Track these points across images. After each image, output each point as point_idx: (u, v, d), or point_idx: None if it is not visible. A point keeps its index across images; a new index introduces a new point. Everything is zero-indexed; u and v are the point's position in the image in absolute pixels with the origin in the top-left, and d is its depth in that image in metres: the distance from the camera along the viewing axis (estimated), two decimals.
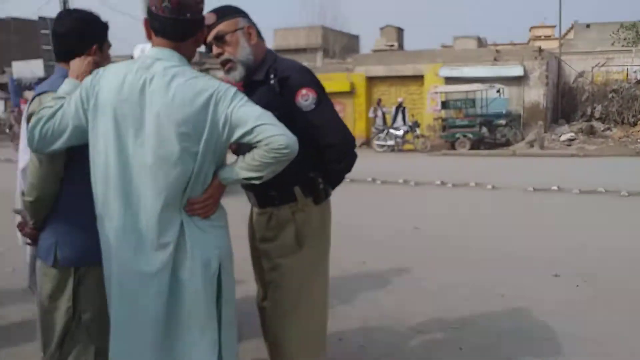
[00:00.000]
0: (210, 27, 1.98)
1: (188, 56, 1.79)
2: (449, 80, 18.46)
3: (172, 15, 1.69)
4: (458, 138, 16.71)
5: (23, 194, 1.93)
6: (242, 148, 1.85)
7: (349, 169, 2.12)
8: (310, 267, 2.10)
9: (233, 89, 1.72)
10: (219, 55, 2.02)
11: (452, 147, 16.84)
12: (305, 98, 1.96)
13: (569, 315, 3.48)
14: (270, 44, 25.61)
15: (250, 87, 2.02)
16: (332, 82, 19.87)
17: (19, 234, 2.23)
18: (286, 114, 1.84)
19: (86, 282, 1.89)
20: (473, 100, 17.43)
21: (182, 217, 1.71)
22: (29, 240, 2.01)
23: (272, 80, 1.99)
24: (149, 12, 1.73)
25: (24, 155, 2.23)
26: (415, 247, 5.28)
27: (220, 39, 1.99)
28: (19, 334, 3.22)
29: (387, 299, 3.85)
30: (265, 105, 1.72)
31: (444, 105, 17.84)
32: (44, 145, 1.75)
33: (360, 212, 7.09)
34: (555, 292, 3.94)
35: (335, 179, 2.13)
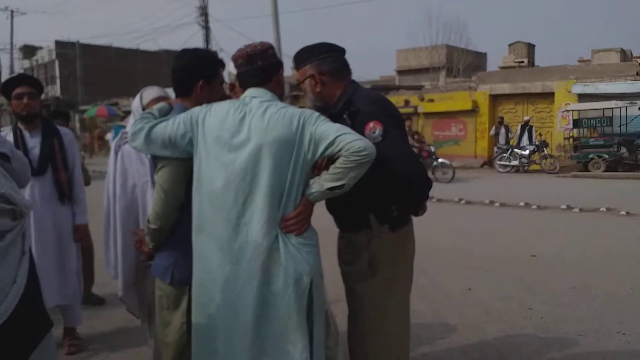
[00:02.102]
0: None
1: (277, 94, 2.07)
2: (582, 97, 17.15)
3: (247, 67, 2.03)
4: (592, 159, 15.44)
5: (148, 221, 2.12)
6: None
7: (421, 197, 2.17)
8: (385, 294, 2.15)
9: (316, 113, 1.98)
10: (305, 96, 2.30)
11: (585, 168, 15.61)
12: (373, 131, 2.04)
13: None
14: (392, 64, 25.45)
15: (330, 119, 2.17)
16: (453, 102, 19.54)
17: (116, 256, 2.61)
18: None
19: None
20: (610, 118, 16.01)
21: (277, 232, 1.92)
22: (143, 258, 2.24)
23: (345, 114, 2.13)
24: (236, 75, 2.08)
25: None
26: (529, 277, 5.03)
27: (298, 86, 2.27)
28: (116, 341, 3.60)
29: (490, 327, 3.78)
30: None
31: (577, 123, 16.61)
32: (136, 140, 2.06)
33: (472, 236, 6.90)
34: None
35: (410, 208, 2.18)
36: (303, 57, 2.24)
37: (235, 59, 2.06)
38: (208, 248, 1.98)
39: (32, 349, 1.53)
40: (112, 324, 3.91)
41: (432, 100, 19.78)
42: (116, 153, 2.71)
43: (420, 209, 2.22)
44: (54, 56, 38.26)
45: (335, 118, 2.16)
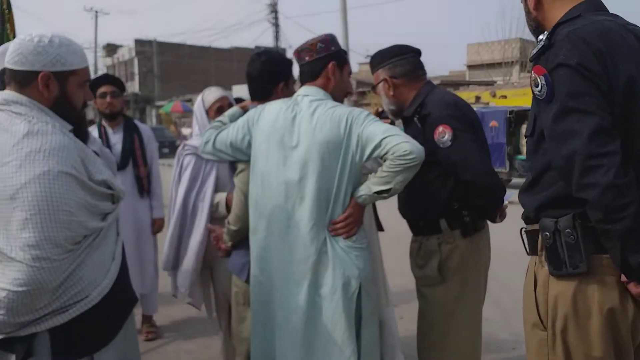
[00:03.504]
0: None
1: (337, 89, 2.05)
2: None
3: (299, 63, 2.07)
4: None
5: (228, 222, 2.21)
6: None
7: (494, 204, 2.11)
8: (455, 301, 2.12)
9: (365, 112, 1.96)
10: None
11: None
12: (442, 135, 2.02)
13: None
14: (463, 59, 24.84)
15: (404, 122, 2.22)
16: (527, 98, 18.74)
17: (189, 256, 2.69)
18: (430, 149, 1.96)
19: None
20: None
21: (326, 234, 1.92)
22: (221, 254, 2.33)
23: (416, 118, 2.12)
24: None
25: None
26: None
27: (374, 89, 2.29)
28: (189, 330, 3.78)
29: None
30: None
31: None
32: (206, 149, 2.20)
33: None
34: None
35: (484, 214, 2.14)
36: (376, 61, 2.26)
37: (294, 56, 2.11)
38: (263, 248, 2.02)
39: (124, 320, 1.67)
40: (185, 313, 4.09)
41: (504, 97, 19.07)
42: (178, 160, 2.79)
43: (496, 216, 2.18)
44: (133, 54, 40.25)
45: (406, 121, 2.17)
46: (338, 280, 1.89)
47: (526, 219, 1.53)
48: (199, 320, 3.92)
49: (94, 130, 3.48)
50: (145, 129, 3.70)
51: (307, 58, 2.04)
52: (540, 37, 1.41)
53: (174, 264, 2.83)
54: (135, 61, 40.08)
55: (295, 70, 2.31)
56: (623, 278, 1.32)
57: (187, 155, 2.68)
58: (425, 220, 2.17)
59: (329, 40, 2.05)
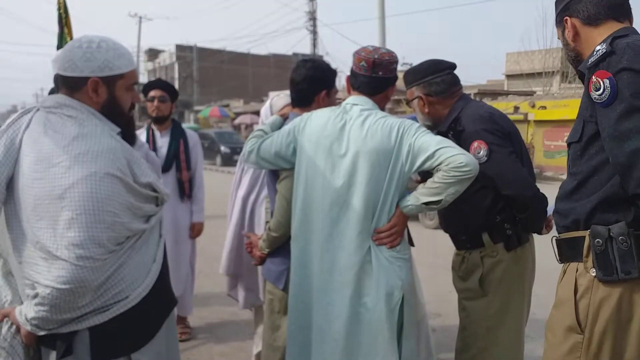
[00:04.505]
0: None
1: (381, 107, 2.05)
2: None
3: (367, 73, 2.00)
4: None
5: (269, 228, 2.18)
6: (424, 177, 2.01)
7: (537, 216, 2.08)
8: (497, 315, 2.09)
9: (416, 124, 1.94)
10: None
11: None
12: (478, 150, 2.01)
13: None
14: (501, 68, 24.27)
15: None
16: (568, 109, 18.24)
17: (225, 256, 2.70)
18: None
19: None
20: None
21: (370, 243, 1.90)
22: (255, 262, 2.32)
23: (450, 134, 2.10)
24: (351, 70, 2.07)
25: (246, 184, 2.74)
26: None
27: (408, 104, 2.28)
28: (222, 332, 3.81)
29: None
30: None
31: None
32: (249, 159, 2.18)
33: None
34: None
35: (529, 226, 2.11)
36: (410, 79, 2.25)
37: (358, 59, 2.02)
38: (305, 255, 2.01)
39: (162, 322, 1.69)
40: (219, 316, 4.14)
41: (544, 107, 18.66)
42: (240, 163, 2.87)
43: (542, 227, 2.15)
44: (174, 59, 41.24)
45: (441, 136, 2.15)
46: (382, 290, 1.87)
47: (570, 225, 1.54)
48: (233, 323, 3.96)
49: (142, 134, 3.58)
50: (192, 134, 3.76)
51: (380, 73, 2.01)
52: (598, 47, 1.48)
53: (235, 270, 2.89)
54: (176, 66, 41.02)
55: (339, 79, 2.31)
56: None
57: None
58: (467, 234, 2.15)
59: (397, 62, 2.07)
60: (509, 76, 27.87)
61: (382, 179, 1.89)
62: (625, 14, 1.58)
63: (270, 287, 2.24)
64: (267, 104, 2.78)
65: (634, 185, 1.34)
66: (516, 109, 18.99)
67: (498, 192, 2.03)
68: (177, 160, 3.59)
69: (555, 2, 1.67)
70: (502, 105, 17.25)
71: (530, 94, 20.79)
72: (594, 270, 1.45)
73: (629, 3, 1.60)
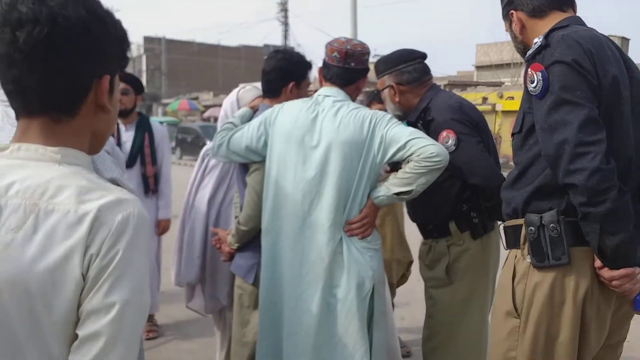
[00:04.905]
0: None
1: (352, 98, 2.05)
2: None
3: (339, 64, 1.99)
4: None
5: (239, 222, 2.14)
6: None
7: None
8: (462, 303, 2.12)
9: (388, 115, 1.96)
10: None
11: None
12: (446, 140, 2.03)
13: None
14: (471, 59, 24.66)
15: (409, 126, 2.22)
16: None
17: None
18: None
19: None
20: None
21: (342, 234, 1.91)
22: (224, 258, 2.26)
23: (420, 123, 2.12)
24: (323, 61, 2.06)
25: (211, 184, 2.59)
26: None
27: (378, 93, 2.28)
28: (190, 330, 3.74)
29: None
30: None
31: None
32: (219, 153, 2.15)
33: None
34: None
35: (494, 215, 2.13)
36: (382, 68, 2.26)
37: (331, 50, 2.02)
38: (276, 249, 1.99)
39: None
40: (187, 313, 4.04)
41: (512, 98, 18.96)
42: (202, 160, 2.69)
43: None
44: (142, 51, 40.43)
45: (411, 126, 2.16)
46: (352, 281, 1.89)
47: (512, 213, 1.59)
48: (200, 320, 3.89)
49: None
50: (158, 128, 3.66)
51: (352, 64, 2.01)
52: (536, 40, 1.52)
53: (197, 279, 2.65)
54: (144, 58, 40.25)
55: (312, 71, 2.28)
56: (597, 264, 1.43)
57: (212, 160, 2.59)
58: (435, 224, 2.17)
59: (369, 53, 2.07)
60: (478, 67, 28.21)
61: (354, 170, 1.90)
62: (568, 2, 1.61)
63: (240, 282, 2.21)
64: (233, 96, 2.65)
65: (562, 175, 1.38)
66: (484, 99, 19.28)
67: (465, 181, 2.06)
68: (141, 154, 3.50)
69: None
70: (471, 96, 17.48)
71: (499, 84, 21.11)
72: (529, 256, 1.50)
73: None
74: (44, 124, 0.88)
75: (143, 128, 3.54)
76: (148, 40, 40.21)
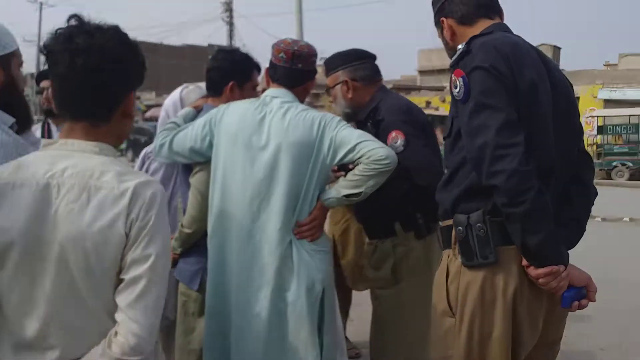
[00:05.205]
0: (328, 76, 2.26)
1: (300, 100, 2.04)
2: (608, 103, 16.91)
3: (286, 64, 1.98)
4: (615, 166, 15.23)
5: (182, 225, 2.09)
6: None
7: None
8: (409, 303, 2.15)
9: (337, 118, 1.96)
10: (333, 102, 2.30)
11: (608, 176, 15.36)
12: (395, 140, 2.06)
13: None
14: (414, 64, 25.29)
15: (357, 126, 2.20)
16: None
17: None
18: None
19: None
20: (636, 126, 15.76)
21: (291, 237, 1.89)
22: None
23: (369, 123, 2.14)
24: (270, 62, 2.04)
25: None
26: None
27: (328, 91, 2.28)
28: None
29: None
30: None
31: (601, 130, 16.39)
32: (161, 154, 2.09)
33: None
34: None
35: (437, 216, 2.21)
36: (337, 63, 2.26)
37: (278, 50, 1.99)
38: (223, 253, 1.94)
39: None
40: None
41: None
42: (143, 163, 2.56)
43: None
44: None
45: (359, 125, 2.18)
46: (302, 284, 1.87)
47: (443, 214, 1.63)
48: None
49: (37, 130, 3.29)
50: None
51: (300, 65, 1.99)
52: (459, 46, 1.56)
53: None
54: None
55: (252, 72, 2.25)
56: (524, 262, 1.46)
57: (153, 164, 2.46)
58: (380, 224, 2.19)
59: (316, 56, 2.06)
60: (421, 72, 28.94)
61: (304, 172, 1.88)
62: (495, 10, 1.68)
63: (184, 289, 2.14)
64: (176, 96, 2.57)
65: (484, 178, 1.42)
66: (428, 103, 19.83)
67: (411, 182, 2.08)
68: None
69: (432, 3, 1.75)
70: (415, 100, 17.87)
71: (441, 89, 21.73)
72: (460, 256, 1.53)
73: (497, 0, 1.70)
74: (85, 127, 1.18)
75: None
76: None
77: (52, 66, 1.15)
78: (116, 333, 1.11)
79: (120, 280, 1.12)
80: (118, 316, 1.11)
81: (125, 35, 1.21)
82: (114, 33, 1.17)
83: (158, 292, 1.14)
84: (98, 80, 1.14)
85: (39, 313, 1.11)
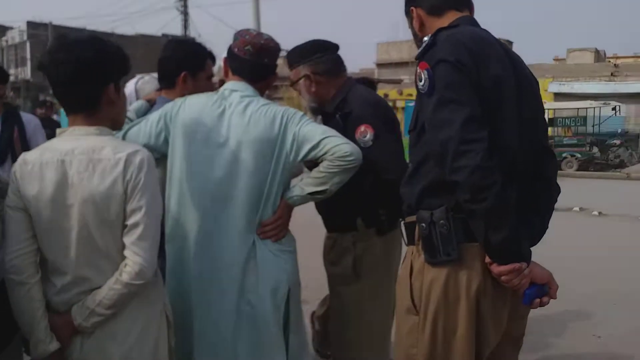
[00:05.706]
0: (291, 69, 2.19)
1: (260, 93, 1.96)
2: (558, 96, 17.52)
3: (252, 58, 1.88)
4: (565, 157, 15.77)
5: None
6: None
7: None
8: (370, 300, 2.13)
9: (300, 113, 1.88)
10: (300, 95, 2.23)
11: (558, 167, 15.94)
12: (364, 135, 2.03)
13: None
14: (373, 57, 25.53)
15: (324, 118, 2.18)
16: None
17: None
18: None
19: None
20: (584, 118, 16.39)
21: (254, 237, 1.82)
22: None
23: (338, 115, 2.10)
24: (230, 52, 1.93)
25: None
26: None
27: (292, 85, 2.21)
28: None
29: None
30: None
31: (551, 122, 16.90)
32: None
33: None
34: None
35: (400, 212, 2.19)
36: (296, 58, 2.19)
37: (243, 42, 1.89)
38: (182, 255, 1.85)
39: (4, 346, 1.56)
40: None
41: (411, 95, 19.83)
42: None
43: None
44: (25, 37, 37.09)
45: (328, 118, 2.12)
46: (267, 285, 1.81)
47: (407, 209, 1.61)
48: None
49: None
50: (30, 119, 3.34)
51: (266, 60, 1.91)
52: (425, 38, 1.54)
53: None
54: (27, 45, 36.94)
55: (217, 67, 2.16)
56: (487, 259, 1.45)
57: None
58: (341, 218, 2.15)
59: (280, 50, 2.00)
60: (379, 65, 29.17)
61: (266, 170, 1.80)
62: (464, 3, 1.66)
63: None
64: (131, 87, 2.50)
65: (448, 172, 1.41)
66: (385, 96, 19.95)
67: (376, 177, 2.04)
68: (12, 149, 3.15)
69: None
70: None
71: (399, 82, 21.96)
72: (423, 253, 1.52)
73: None
74: (84, 116, 1.52)
75: (11, 120, 3.20)
76: (32, 25, 36.93)
77: (47, 76, 1.48)
78: (125, 265, 1.46)
79: (125, 226, 1.47)
80: (126, 252, 1.47)
81: (101, 42, 1.51)
82: (90, 45, 1.47)
83: (153, 232, 1.50)
84: (77, 83, 1.46)
85: (71, 257, 1.46)
